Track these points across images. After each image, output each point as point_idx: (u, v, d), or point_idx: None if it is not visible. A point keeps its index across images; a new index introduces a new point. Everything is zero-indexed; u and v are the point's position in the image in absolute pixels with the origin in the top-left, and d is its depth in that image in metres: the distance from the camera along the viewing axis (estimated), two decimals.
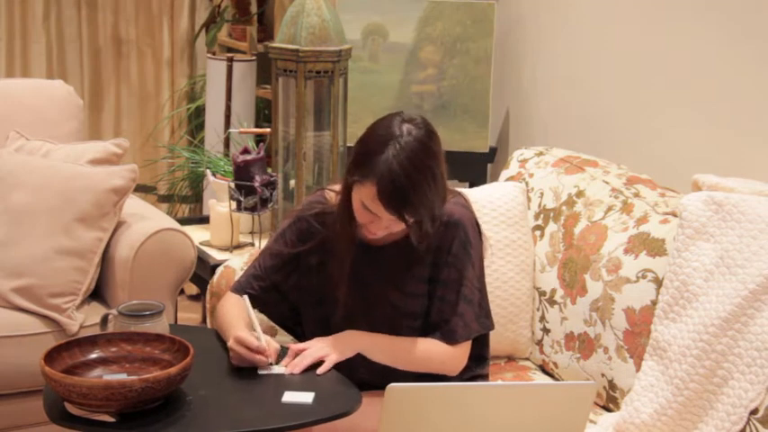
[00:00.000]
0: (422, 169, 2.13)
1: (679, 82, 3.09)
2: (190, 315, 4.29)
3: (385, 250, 2.30)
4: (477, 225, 2.35)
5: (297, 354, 2.18)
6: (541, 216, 2.83)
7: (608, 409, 2.53)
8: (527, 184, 2.92)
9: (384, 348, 2.27)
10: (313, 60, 3.22)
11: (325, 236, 2.32)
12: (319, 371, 2.15)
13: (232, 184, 3.28)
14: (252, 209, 3.27)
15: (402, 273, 2.30)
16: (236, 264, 2.78)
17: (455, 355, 2.29)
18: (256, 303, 2.30)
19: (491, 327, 2.37)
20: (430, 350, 2.28)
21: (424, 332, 2.30)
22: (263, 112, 4.51)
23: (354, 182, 2.16)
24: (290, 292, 2.39)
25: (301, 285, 2.37)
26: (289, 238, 2.37)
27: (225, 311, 2.31)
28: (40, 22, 4.35)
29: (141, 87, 4.59)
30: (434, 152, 2.17)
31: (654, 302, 2.42)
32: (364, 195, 2.14)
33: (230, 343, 2.15)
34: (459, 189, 2.43)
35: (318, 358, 2.18)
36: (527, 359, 2.83)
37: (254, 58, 4.33)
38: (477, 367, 2.38)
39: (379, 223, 2.18)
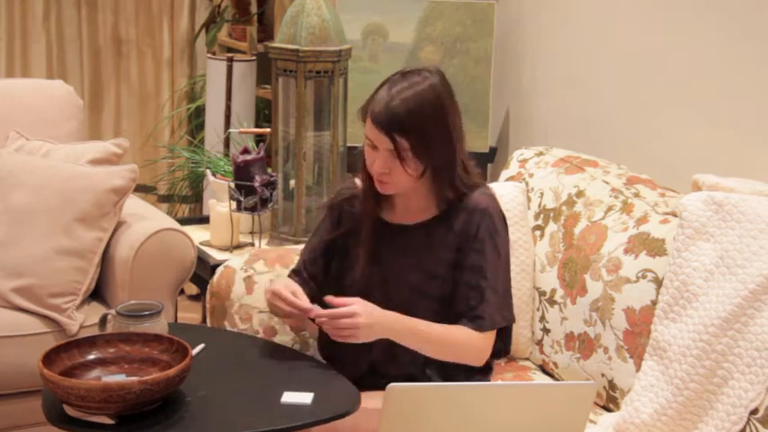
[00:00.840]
0: (422, 100, 2.15)
1: (679, 82, 3.09)
2: (190, 315, 4.29)
3: (410, 230, 2.31)
4: (504, 219, 2.35)
5: (335, 306, 2.14)
6: (541, 216, 2.83)
7: (608, 409, 2.53)
8: (527, 184, 2.92)
9: (418, 336, 2.23)
10: (313, 60, 3.22)
11: (358, 218, 2.35)
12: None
13: (232, 184, 3.27)
14: (252, 209, 3.27)
15: (425, 253, 2.31)
16: (236, 264, 2.77)
17: (481, 345, 2.28)
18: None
19: (513, 320, 2.37)
20: (456, 336, 2.26)
21: (445, 317, 2.29)
22: (263, 112, 4.51)
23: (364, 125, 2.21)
24: (330, 283, 2.39)
25: (341, 270, 2.38)
26: (324, 229, 2.41)
27: None
28: (40, 22, 4.34)
29: (141, 87, 4.59)
30: (440, 93, 2.18)
31: (654, 302, 2.41)
32: (367, 129, 2.19)
33: (268, 296, 2.22)
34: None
35: (350, 327, 2.12)
36: (527, 359, 2.83)
37: (254, 58, 4.33)
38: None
39: (378, 157, 2.19)
